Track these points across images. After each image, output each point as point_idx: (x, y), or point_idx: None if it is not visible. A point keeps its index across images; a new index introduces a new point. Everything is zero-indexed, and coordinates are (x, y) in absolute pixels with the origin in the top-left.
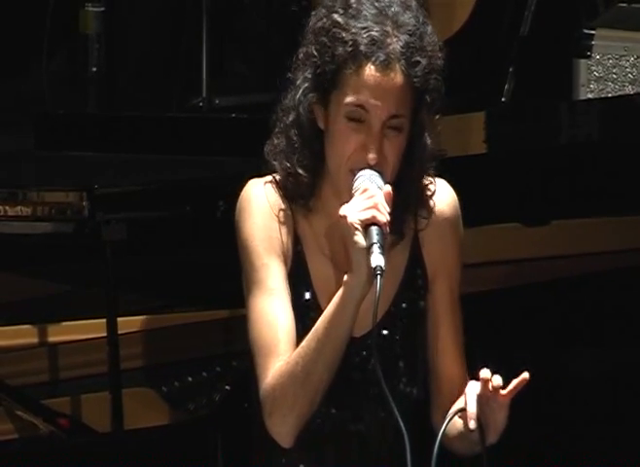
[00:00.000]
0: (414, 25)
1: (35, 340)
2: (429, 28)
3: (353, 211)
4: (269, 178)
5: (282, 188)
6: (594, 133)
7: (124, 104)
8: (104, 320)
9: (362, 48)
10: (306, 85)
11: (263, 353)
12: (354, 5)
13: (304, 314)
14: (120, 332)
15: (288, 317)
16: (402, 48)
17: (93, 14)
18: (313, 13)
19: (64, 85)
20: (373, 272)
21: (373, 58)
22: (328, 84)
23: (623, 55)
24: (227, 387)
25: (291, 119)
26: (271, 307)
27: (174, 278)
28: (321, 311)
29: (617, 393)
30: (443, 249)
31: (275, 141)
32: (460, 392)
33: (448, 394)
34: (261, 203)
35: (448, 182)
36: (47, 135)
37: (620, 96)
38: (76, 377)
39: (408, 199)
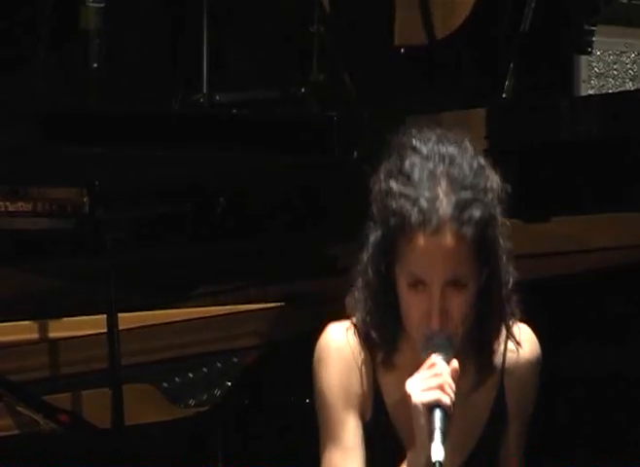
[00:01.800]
0: (469, 176)
1: (36, 335)
2: (485, 172)
3: (418, 390)
4: (348, 324)
5: (363, 335)
6: (595, 130)
7: (124, 100)
8: (104, 316)
9: (411, 220)
10: (373, 249)
11: None
12: (407, 169)
13: (391, 461)
14: (120, 328)
15: None
16: (453, 208)
17: (94, 9)
18: (374, 176)
19: (65, 80)
20: (432, 465)
21: (423, 228)
22: (389, 250)
23: (624, 52)
24: (227, 383)
25: (365, 280)
26: (341, 463)
27: (175, 274)
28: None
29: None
30: (524, 395)
31: (356, 295)
32: None
33: None
34: (340, 355)
35: None
36: (47, 131)
37: (620, 92)
38: (76, 372)
39: (488, 336)
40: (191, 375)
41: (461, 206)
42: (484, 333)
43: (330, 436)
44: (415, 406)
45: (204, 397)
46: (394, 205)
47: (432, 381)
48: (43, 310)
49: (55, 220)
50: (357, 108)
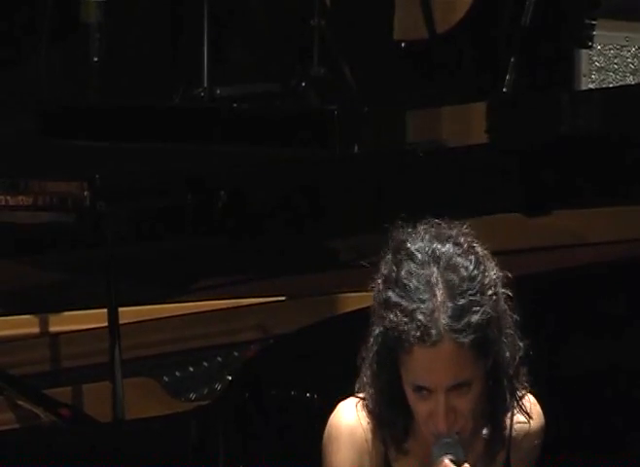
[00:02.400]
0: (467, 279)
1: (36, 329)
2: (483, 265)
3: None
4: (359, 401)
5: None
6: (596, 124)
7: (125, 94)
8: (105, 310)
9: (409, 335)
10: (378, 348)
11: None
12: (403, 279)
13: None
14: (121, 322)
15: None
16: (450, 318)
17: (95, 3)
18: (375, 279)
19: (65, 74)
20: None
21: (422, 342)
22: (392, 355)
23: (625, 46)
24: (228, 377)
25: (372, 373)
26: None
27: (175, 268)
28: None
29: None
30: (529, 454)
31: (364, 380)
32: None
33: None
34: (352, 437)
35: (450, 171)
36: (48, 125)
37: (621, 86)
38: (77, 366)
39: (499, 414)
40: (191, 369)
41: (458, 315)
42: (494, 411)
43: None
44: None
45: (205, 391)
46: (392, 317)
47: None
48: (43, 304)
49: (56, 214)
50: (357, 102)
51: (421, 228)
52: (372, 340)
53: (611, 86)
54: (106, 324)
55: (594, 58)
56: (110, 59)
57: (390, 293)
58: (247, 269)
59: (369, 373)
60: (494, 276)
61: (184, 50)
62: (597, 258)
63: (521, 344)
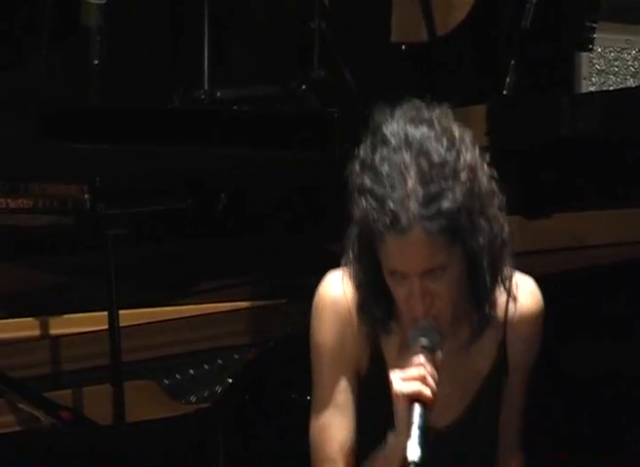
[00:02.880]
0: (440, 164)
1: (37, 332)
2: (457, 148)
3: (399, 378)
4: (347, 274)
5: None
6: (596, 126)
7: (125, 96)
8: (106, 313)
9: (379, 223)
10: (357, 231)
11: (317, 462)
12: (377, 165)
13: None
14: (121, 324)
15: (349, 438)
16: (421, 206)
17: (95, 6)
18: (350, 165)
19: (65, 77)
20: (408, 464)
21: (392, 229)
22: (371, 240)
23: (625, 48)
24: (228, 380)
25: (352, 255)
26: (335, 424)
27: (176, 271)
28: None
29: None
30: (526, 348)
31: (349, 257)
32: None
33: (509, 458)
34: (335, 308)
35: None
36: (48, 128)
37: (621, 89)
38: (78, 369)
39: (484, 291)
40: (192, 371)
41: (428, 201)
42: (479, 288)
43: (320, 392)
44: (396, 396)
45: (205, 394)
46: (365, 204)
47: (414, 371)
48: (44, 307)
49: (56, 216)
50: (358, 104)
51: (399, 110)
52: (355, 224)
53: (611, 88)
54: (107, 327)
55: (595, 61)
56: (110, 62)
57: (365, 178)
58: (247, 271)
59: (351, 254)
60: (470, 159)
61: (184, 52)
62: (597, 260)
63: (507, 225)
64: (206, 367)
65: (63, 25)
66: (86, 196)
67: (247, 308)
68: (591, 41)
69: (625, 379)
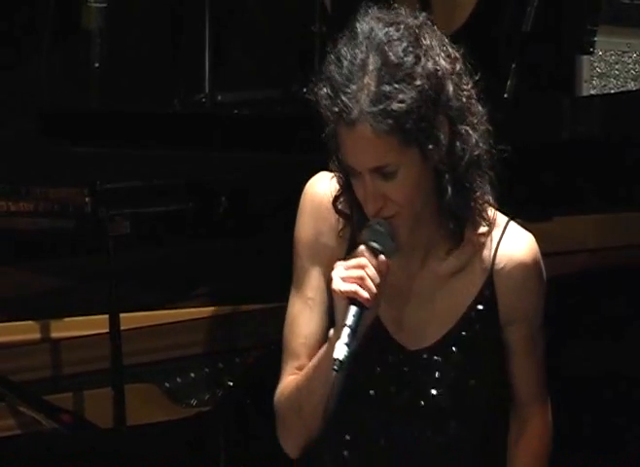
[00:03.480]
0: (400, 64)
1: (37, 335)
2: (416, 58)
3: (339, 277)
4: (332, 175)
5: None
6: (596, 129)
7: (126, 100)
8: (106, 316)
9: (333, 109)
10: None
11: (285, 359)
12: (341, 57)
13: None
14: (122, 327)
15: (316, 332)
16: (371, 102)
17: (96, 9)
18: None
19: (66, 80)
20: (332, 363)
21: (342, 120)
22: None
23: (626, 52)
24: (229, 383)
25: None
26: (303, 317)
27: (176, 274)
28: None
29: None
30: (520, 298)
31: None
32: (535, 427)
33: (523, 426)
34: (316, 203)
35: None
36: (49, 130)
37: (622, 92)
38: (78, 372)
39: (453, 211)
40: (192, 375)
41: (378, 100)
42: (445, 207)
43: (295, 281)
44: (334, 293)
45: (206, 397)
46: (324, 91)
47: (353, 272)
48: (44, 310)
49: (57, 219)
50: None
51: (378, 9)
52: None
53: (612, 92)
54: (107, 330)
55: (595, 64)
56: (111, 64)
57: (330, 66)
58: (248, 273)
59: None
60: (433, 67)
61: (185, 55)
62: (598, 263)
63: (482, 145)
64: (207, 370)
65: (64, 27)
66: (87, 199)
67: (248, 311)
68: (592, 44)
69: (625, 379)
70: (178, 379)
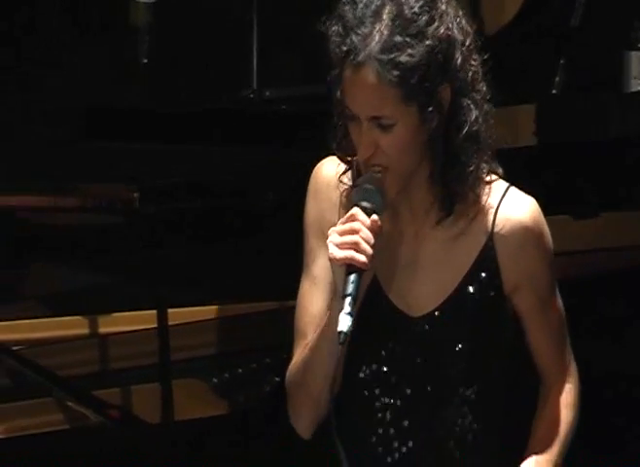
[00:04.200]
0: (413, 20)
1: (85, 331)
2: (430, 19)
3: (334, 244)
4: (334, 158)
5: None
6: None
7: (173, 96)
8: (154, 311)
9: (342, 48)
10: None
11: (296, 338)
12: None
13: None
14: (170, 323)
15: (323, 306)
16: (380, 49)
17: (144, 5)
18: None
19: (113, 76)
20: (337, 335)
21: (350, 59)
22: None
23: None
24: (276, 379)
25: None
26: (309, 295)
27: (224, 269)
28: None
29: None
30: (524, 260)
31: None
32: (556, 397)
33: (546, 397)
34: (320, 184)
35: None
36: (97, 127)
37: None
38: (126, 368)
39: (445, 181)
40: (240, 370)
41: (389, 48)
42: (439, 177)
43: (305, 262)
44: (331, 261)
45: (254, 393)
46: (334, 29)
47: (348, 238)
48: (92, 306)
49: (105, 216)
50: None
51: None
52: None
53: None
54: (155, 325)
55: None
56: (158, 61)
57: (345, 6)
58: (297, 270)
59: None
60: (444, 33)
61: (233, 51)
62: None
63: (482, 124)
64: (254, 366)
65: (111, 24)
66: (134, 195)
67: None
68: None
69: (625, 379)
70: (225, 375)
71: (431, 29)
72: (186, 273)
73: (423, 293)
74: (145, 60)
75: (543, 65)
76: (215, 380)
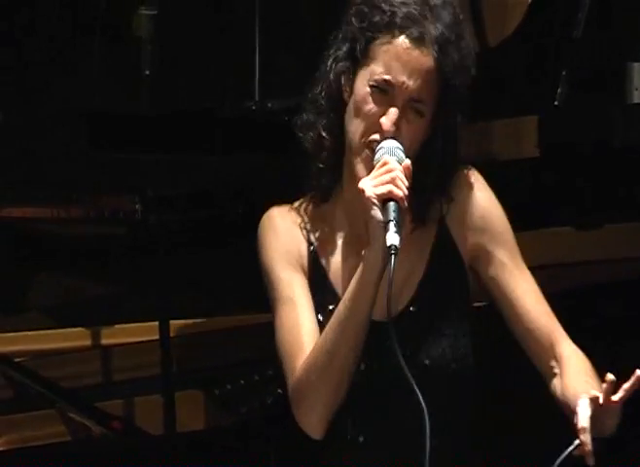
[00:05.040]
0: (452, 22)
1: (88, 342)
2: (465, 33)
3: (371, 185)
4: (285, 205)
5: (302, 208)
6: None
7: (175, 106)
8: (157, 323)
9: (398, 19)
10: (339, 53)
11: (288, 357)
12: None
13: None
14: (172, 334)
15: (310, 321)
16: (437, 35)
17: (147, 17)
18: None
19: (116, 86)
20: (387, 251)
21: (408, 32)
22: (361, 52)
23: None
24: (279, 391)
25: (320, 87)
26: (292, 315)
27: (227, 280)
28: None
29: None
30: (478, 225)
31: (304, 116)
32: (569, 345)
33: (549, 348)
34: (272, 223)
35: (501, 186)
36: (99, 137)
37: None
38: (129, 379)
39: (425, 190)
40: (242, 382)
41: (445, 40)
42: (422, 181)
43: (273, 296)
44: (369, 200)
45: (256, 404)
46: (382, 5)
47: (384, 177)
48: (94, 317)
49: (108, 226)
50: None
51: None
52: (328, 57)
53: None
54: (157, 337)
55: None
56: (161, 71)
57: None
58: None
59: (315, 91)
60: (470, 46)
61: (235, 62)
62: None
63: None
64: (257, 377)
65: (114, 34)
66: (137, 205)
67: None
68: None
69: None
70: (228, 387)
71: (465, 37)
72: (188, 285)
73: (395, 294)
74: (147, 71)
75: (545, 77)
76: (217, 392)
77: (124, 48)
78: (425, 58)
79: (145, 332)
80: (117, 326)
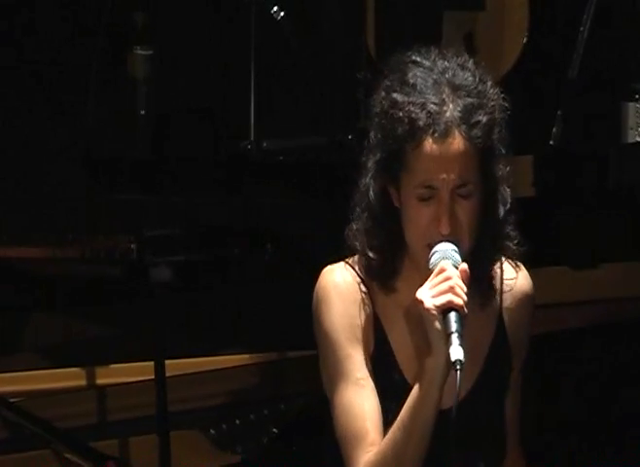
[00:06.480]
0: (472, 85)
1: (83, 382)
2: (488, 83)
3: (429, 296)
4: (342, 264)
5: (359, 270)
6: None
7: (171, 147)
8: (152, 363)
9: (419, 123)
10: (375, 168)
11: (352, 445)
12: (410, 80)
13: (396, 395)
14: (167, 374)
15: (375, 407)
16: (460, 112)
17: (142, 57)
18: (374, 96)
19: (112, 128)
20: (452, 366)
21: (431, 131)
22: (396, 164)
23: None
24: (274, 430)
25: (363, 204)
26: (358, 398)
27: (222, 320)
28: (411, 390)
29: None
30: (523, 330)
31: (354, 226)
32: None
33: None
34: (338, 291)
35: None
36: (96, 179)
37: None
38: (124, 419)
39: (484, 268)
40: (238, 421)
41: (468, 110)
42: (483, 253)
43: (338, 372)
44: (428, 311)
45: (252, 444)
46: (401, 114)
47: (442, 286)
48: (90, 357)
49: (104, 267)
50: None
51: (427, 48)
52: (366, 174)
53: None
54: (153, 377)
55: None
56: (157, 112)
57: (397, 95)
58: (293, 320)
59: (361, 207)
60: (496, 95)
61: (231, 102)
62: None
63: (509, 198)
64: (253, 417)
65: (110, 75)
66: (132, 246)
67: (293, 359)
68: (638, 91)
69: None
70: (224, 426)
71: (490, 91)
72: (184, 324)
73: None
74: (143, 112)
75: (540, 116)
76: (213, 432)
77: (119, 88)
78: (457, 145)
79: (141, 371)
80: (112, 366)
